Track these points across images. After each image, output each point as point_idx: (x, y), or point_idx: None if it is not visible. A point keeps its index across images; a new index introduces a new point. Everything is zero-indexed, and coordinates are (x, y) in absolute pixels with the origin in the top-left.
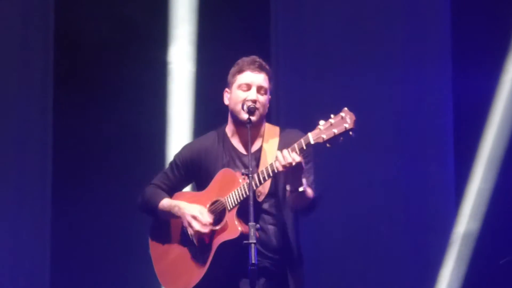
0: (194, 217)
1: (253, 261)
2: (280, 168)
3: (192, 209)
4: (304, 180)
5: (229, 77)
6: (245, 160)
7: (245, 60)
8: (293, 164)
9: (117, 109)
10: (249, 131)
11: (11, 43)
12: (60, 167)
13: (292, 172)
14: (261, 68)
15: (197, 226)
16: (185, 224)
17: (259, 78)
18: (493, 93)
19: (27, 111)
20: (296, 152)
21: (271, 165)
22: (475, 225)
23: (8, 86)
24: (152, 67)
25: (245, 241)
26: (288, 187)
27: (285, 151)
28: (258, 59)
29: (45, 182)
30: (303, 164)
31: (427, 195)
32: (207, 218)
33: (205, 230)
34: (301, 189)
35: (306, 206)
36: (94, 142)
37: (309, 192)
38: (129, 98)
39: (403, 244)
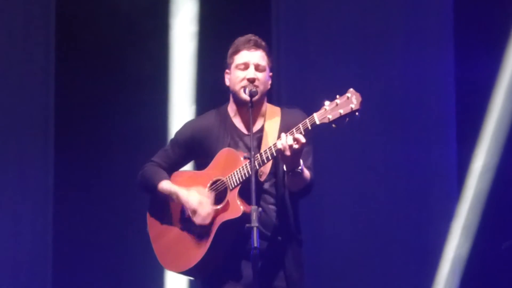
0: (195, 211)
1: (255, 245)
2: (284, 149)
3: (191, 201)
4: (301, 161)
5: (227, 58)
6: (247, 140)
7: (241, 39)
8: (298, 145)
9: (118, 91)
10: (250, 114)
11: (12, 37)
12: (62, 147)
13: (292, 153)
14: (257, 46)
15: (198, 220)
16: (187, 215)
17: (256, 56)
18: (496, 77)
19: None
20: (301, 133)
21: (275, 145)
22: (477, 209)
23: (9, 77)
24: (153, 49)
25: (247, 225)
26: (285, 167)
27: (289, 132)
28: (253, 37)
29: (47, 168)
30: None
31: (429, 178)
32: (208, 208)
33: (207, 222)
34: (298, 169)
35: (302, 188)
36: (95, 122)
37: (306, 173)
38: (130, 80)
39: (404, 228)
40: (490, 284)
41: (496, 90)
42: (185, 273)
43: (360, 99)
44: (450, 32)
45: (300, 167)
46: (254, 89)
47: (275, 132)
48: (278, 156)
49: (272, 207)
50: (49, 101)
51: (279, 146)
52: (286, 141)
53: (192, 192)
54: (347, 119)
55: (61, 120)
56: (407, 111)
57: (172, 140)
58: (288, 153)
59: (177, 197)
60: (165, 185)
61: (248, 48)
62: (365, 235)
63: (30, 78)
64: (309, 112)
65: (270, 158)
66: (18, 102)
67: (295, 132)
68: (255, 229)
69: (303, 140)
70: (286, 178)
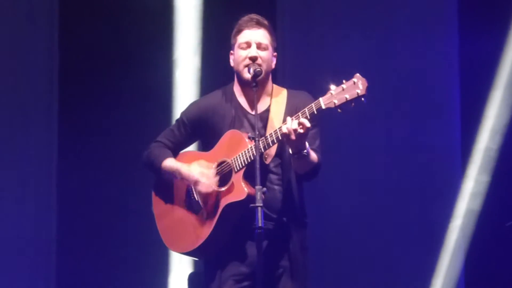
0: (197, 181)
1: (260, 224)
2: (289, 133)
3: (193, 171)
4: (307, 144)
5: (231, 39)
6: (252, 119)
7: (243, 19)
8: (303, 129)
9: (122, 72)
10: (255, 94)
11: (14, 34)
12: (65, 132)
13: (297, 137)
14: (259, 24)
15: (202, 189)
16: (191, 188)
17: (258, 34)
18: (500, 56)
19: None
20: (306, 117)
21: (280, 129)
22: (481, 188)
23: (11, 62)
24: (157, 28)
25: (251, 205)
26: (290, 150)
27: (295, 116)
28: (255, 16)
29: (51, 149)
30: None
31: (433, 158)
32: (210, 178)
33: (210, 191)
34: (304, 152)
35: (308, 171)
36: (99, 104)
37: (313, 156)
38: (135, 58)
39: (409, 209)
40: (494, 262)
41: (501, 68)
42: (189, 253)
43: (366, 84)
44: (454, 11)
45: (305, 151)
46: (258, 68)
47: (281, 113)
48: (284, 139)
49: (278, 187)
50: (53, 79)
51: (284, 130)
52: (291, 125)
53: (193, 165)
54: (353, 104)
55: (64, 104)
56: (411, 90)
57: (178, 119)
58: (293, 137)
59: (179, 173)
60: (169, 162)
61: (250, 27)
62: (370, 218)
63: (33, 60)
64: (313, 92)
65: (275, 141)
66: (21, 79)
67: (300, 116)
68: (259, 208)
69: (308, 124)
70: (292, 160)
